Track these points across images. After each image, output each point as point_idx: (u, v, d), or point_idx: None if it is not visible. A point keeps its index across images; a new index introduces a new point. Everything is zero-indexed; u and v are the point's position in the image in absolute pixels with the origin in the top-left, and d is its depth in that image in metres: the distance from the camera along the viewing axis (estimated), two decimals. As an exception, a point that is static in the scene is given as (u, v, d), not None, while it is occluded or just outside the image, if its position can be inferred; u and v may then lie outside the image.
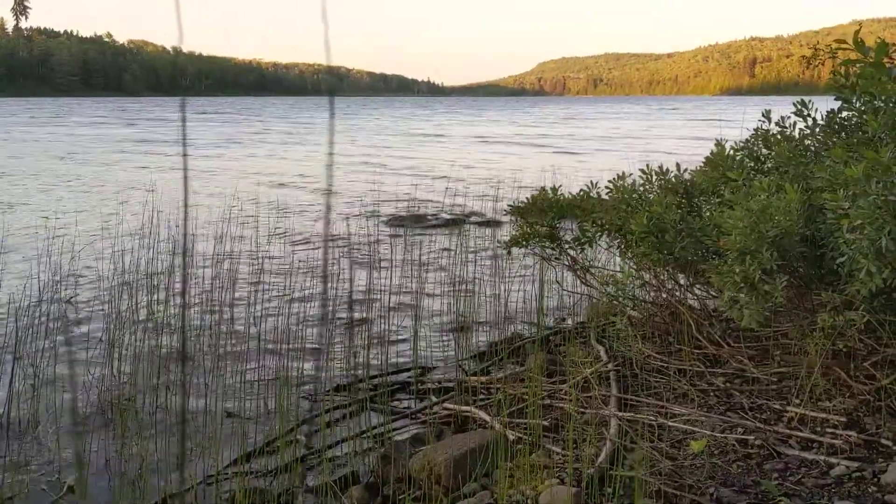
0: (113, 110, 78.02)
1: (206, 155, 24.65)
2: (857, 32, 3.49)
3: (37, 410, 4.20)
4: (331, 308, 6.12)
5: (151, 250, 6.96)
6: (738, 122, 4.41)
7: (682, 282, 4.76)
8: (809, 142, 4.14)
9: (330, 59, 0.93)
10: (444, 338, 5.74)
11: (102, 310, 6.15)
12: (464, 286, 6.50)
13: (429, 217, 11.38)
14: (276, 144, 31.20)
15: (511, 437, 3.47)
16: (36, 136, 34.80)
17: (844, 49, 3.50)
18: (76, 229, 9.87)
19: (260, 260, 7.89)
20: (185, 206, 1.23)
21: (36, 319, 5.47)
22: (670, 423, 3.55)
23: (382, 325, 5.60)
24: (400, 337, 5.63)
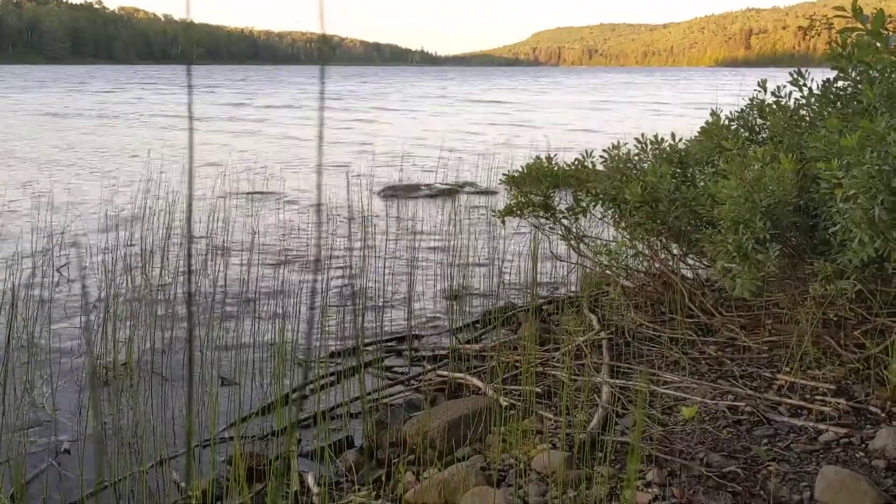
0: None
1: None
2: (855, 0, 3.48)
3: (32, 374, 4.21)
4: (325, 275, 6.12)
5: (145, 217, 6.95)
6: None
7: (675, 251, 4.78)
8: (804, 112, 4.13)
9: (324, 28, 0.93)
10: (439, 306, 5.76)
11: (98, 274, 6.14)
12: (458, 255, 6.51)
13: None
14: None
15: (504, 404, 3.51)
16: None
17: (842, 17, 3.48)
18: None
19: (255, 226, 7.88)
20: (190, 176, 1.20)
21: (31, 283, 5.47)
22: (662, 391, 3.58)
23: (377, 293, 5.62)
24: (394, 305, 5.65)
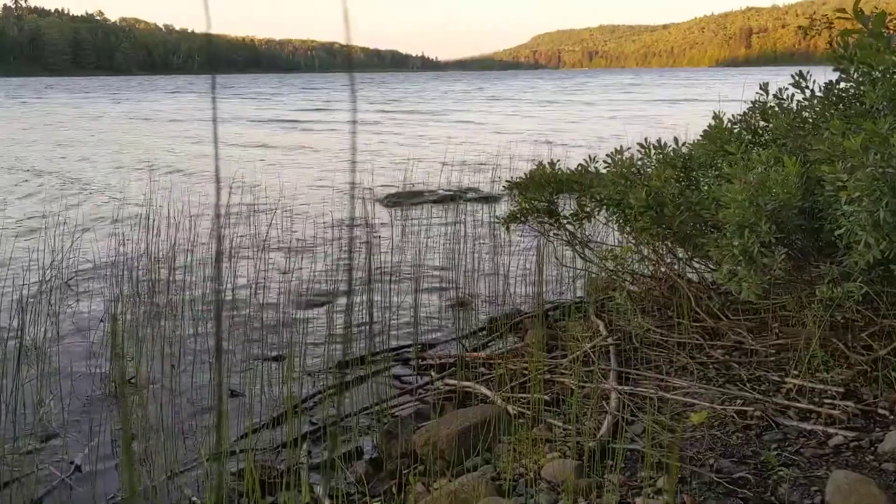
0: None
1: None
2: (857, 2, 3.48)
3: (42, 391, 4.23)
4: (333, 285, 6.13)
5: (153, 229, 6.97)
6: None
7: (680, 255, 4.78)
8: (807, 114, 4.13)
9: (350, 39, 0.94)
10: (445, 314, 5.76)
11: (105, 289, 6.16)
12: (463, 262, 6.52)
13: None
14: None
15: (512, 412, 3.51)
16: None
17: (843, 18, 3.49)
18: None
19: (262, 237, 7.88)
20: (217, 184, 1.20)
21: (40, 299, 5.49)
22: (670, 396, 3.58)
23: (383, 303, 5.63)
24: (401, 314, 5.65)
